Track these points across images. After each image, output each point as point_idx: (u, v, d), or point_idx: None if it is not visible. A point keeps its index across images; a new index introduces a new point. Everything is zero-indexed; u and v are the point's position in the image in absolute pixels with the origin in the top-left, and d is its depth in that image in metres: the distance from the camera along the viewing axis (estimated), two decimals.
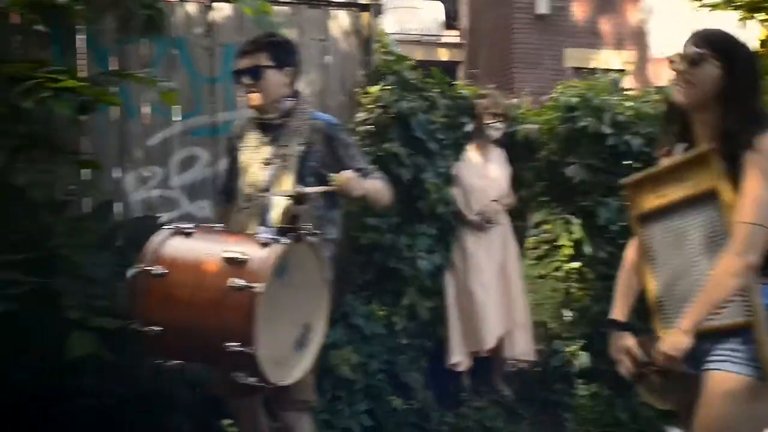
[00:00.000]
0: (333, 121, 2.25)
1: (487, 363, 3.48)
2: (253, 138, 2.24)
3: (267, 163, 2.17)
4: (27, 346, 2.72)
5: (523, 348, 3.41)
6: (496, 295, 3.37)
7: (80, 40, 3.12)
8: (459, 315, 3.42)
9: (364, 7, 3.38)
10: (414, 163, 3.18)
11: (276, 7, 3.10)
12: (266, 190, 2.15)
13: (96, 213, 2.95)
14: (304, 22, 3.31)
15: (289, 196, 1.97)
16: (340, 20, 3.35)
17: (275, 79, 2.13)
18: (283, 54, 2.17)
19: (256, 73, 2.10)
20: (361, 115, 3.22)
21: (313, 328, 2.07)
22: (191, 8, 3.22)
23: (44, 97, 2.39)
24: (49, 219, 2.68)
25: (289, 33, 3.09)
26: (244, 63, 2.15)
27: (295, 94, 2.22)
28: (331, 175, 1.98)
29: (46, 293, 2.48)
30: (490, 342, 3.32)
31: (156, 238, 1.93)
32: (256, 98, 2.14)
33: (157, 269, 1.83)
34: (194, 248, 1.94)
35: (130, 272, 1.88)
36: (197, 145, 3.25)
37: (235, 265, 1.78)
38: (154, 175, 3.22)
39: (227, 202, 2.41)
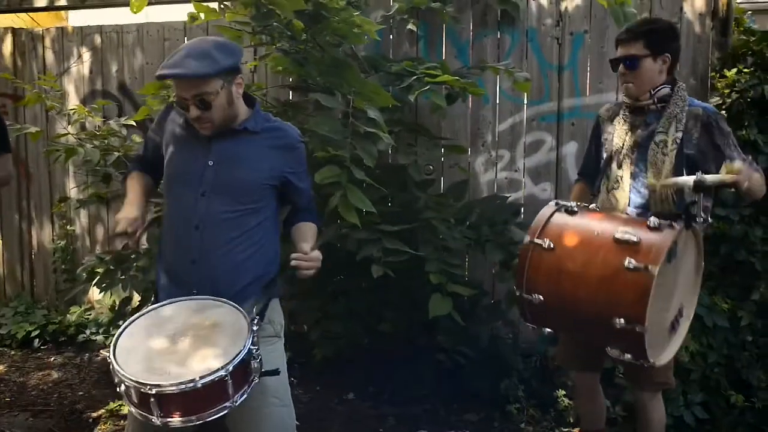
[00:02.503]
0: (712, 110, 2.46)
1: None
2: (624, 121, 2.54)
3: (639, 146, 2.47)
4: (394, 303, 3.69)
5: None
6: None
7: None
8: None
9: None
10: None
11: None
12: (641, 175, 2.49)
13: (453, 191, 3.80)
14: (655, 5, 3.73)
15: (689, 184, 2.20)
16: (696, 1, 3.68)
17: (650, 67, 2.43)
18: (660, 41, 2.43)
19: (632, 62, 2.43)
20: (714, 100, 3.50)
21: (684, 313, 2.38)
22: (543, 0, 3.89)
23: (423, 91, 3.20)
24: (419, 194, 3.53)
25: (640, 18, 3.64)
26: (620, 52, 2.47)
27: (673, 82, 2.47)
28: (727, 163, 2.19)
29: (415, 260, 3.25)
30: None
31: (543, 214, 2.33)
32: (631, 87, 2.47)
33: (547, 243, 2.23)
34: (582, 226, 2.29)
35: (522, 243, 2.33)
36: (543, 130, 3.93)
37: (628, 245, 2.09)
38: (502, 157, 4.03)
39: (586, 182, 2.81)
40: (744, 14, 3.84)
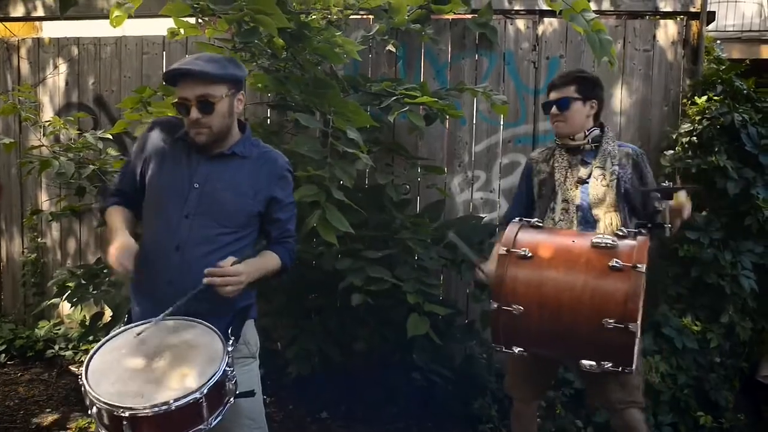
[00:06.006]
0: (639, 150, 2.66)
1: None
2: (562, 161, 2.68)
3: (582, 182, 2.63)
4: (369, 322, 3.64)
5: None
6: None
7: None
8: None
9: (694, 15, 3.73)
10: (742, 177, 3.48)
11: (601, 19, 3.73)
12: (586, 206, 2.59)
13: (429, 211, 3.82)
14: (629, 33, 3.82)
15: (666, 190, 2.36)
16: (668, 30, 3.78)
17: (580, 109, 2.60)
18: (589, 88, 2.62)
19: (563, 103, 2.60)
20: (685, 126, 3.60)
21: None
22: (521, 24, 3.94)
23: (402, 111, 3.22)
24: (396, 215, 3.53)
25: (614, 45, 3.71)
26: (554, 95, 2.64)
27: (601, 125, 2.67)
28: (677, 193, 2.39)
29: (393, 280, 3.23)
30: None
31: (511, 228, 2.34)
32: (562, 127, 2.64)
33: (524, 251, 2.22)
34: (554, 236, 2.34)
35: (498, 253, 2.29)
36: (519, 152, 3.98)
37: (607, 249, 2.13)
38: (478, 178, 4.06)
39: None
40: (713, 42, 3.92)
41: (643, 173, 2.62)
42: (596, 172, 2.59)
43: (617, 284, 2.08)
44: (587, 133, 2.63)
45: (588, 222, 2.59)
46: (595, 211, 2.58)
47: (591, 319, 2.08)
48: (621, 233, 2.22)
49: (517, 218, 2.45)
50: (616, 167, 2.58)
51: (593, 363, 2.13)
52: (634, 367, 2.15)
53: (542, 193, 2.72)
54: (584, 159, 2.65)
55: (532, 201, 2.79)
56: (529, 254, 2.22)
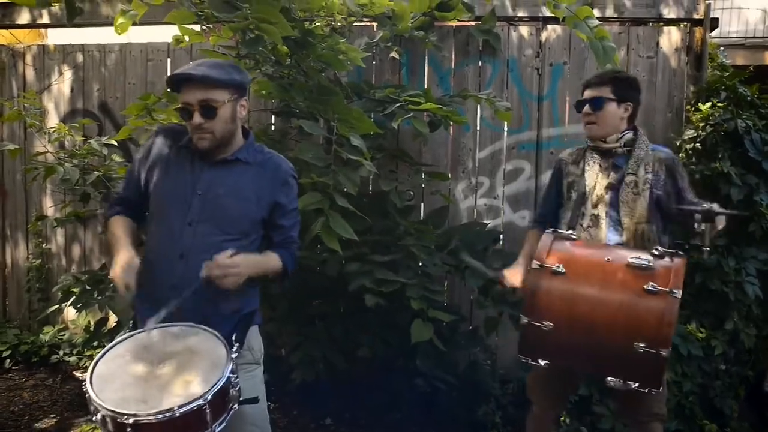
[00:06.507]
0: (672, 153, 2.59)
1: None
2: (594, 163, 2.62)
3: (612, 187, 2.57)
4: (372, 328, 3.64)
5: None
6: None
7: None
8: None
9: (698, 22, 3.74)
10: (746, 183, 3.47)
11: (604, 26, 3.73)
12: (615, 214, 2.54)
13: (433, 217, 3.82)
14: (632, 39, 3.82)
15: (701, 211, 2.27)
16: (672, 36, 3.78)
17: (613, 111, 2.54)
18: (625, 89, 2.55)
19: (596, 103, 2.54)
20: (689, 133, 3.59)
21: None
22: (524, 30, 3.95)
23: (406, 118, 3.24)
24: (400, 221, 3.53)
25: (618, 52, 3.70)
26: (588, 94, 2.58)
27: (635, 128, 2.59)
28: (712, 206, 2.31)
29: (393, 284, 3.21)
30: None
31: (545, 240, 2.31)
32: (594, 128, 2.58)
33: (558, 267, 2.19)
34: (589, 251, 2.30)
35: (531, 267, 2.26)
36: (522, 159, 3.98)
37: (642, 270, 2.11)
38: (482, 184, 4.05)
39: (541, 230, 2.61)
40: (717, 49, 3.92)
41: (677, 178, 2.54)
42: (629, 178, 2.52)
43: (652, 308, 2.07)
44: (620, 136, 2.57)
45: (617, 230, 2.53)
46: (624, 220, 2.51)
47: (622, 340, 2.07)
48: (657, 252, 2.18)
49: (551, 230, 2.42)
50: (650, 175, 2.51)
51: (620, 381, 2.14)
52: (661, 388, 2.15)
53: (571, 196, 2.67)
54: (615, 163, 2.58)
55: (562, 202, 2.74)
56: (563, 270, 2.20)
